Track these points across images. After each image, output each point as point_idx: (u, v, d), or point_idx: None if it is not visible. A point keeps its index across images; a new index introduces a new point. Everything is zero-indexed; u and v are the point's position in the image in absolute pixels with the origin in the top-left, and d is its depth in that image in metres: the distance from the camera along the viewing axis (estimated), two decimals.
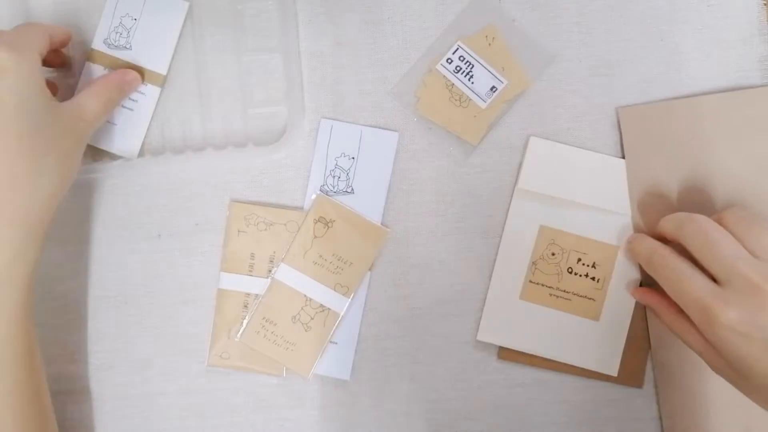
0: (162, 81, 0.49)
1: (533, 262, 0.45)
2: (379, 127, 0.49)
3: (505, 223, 0.46)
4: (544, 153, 0.44)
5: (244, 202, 0.49)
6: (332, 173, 0.48)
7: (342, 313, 0.48)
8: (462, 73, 0.48)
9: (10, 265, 0.40)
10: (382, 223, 0.48)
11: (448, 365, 0.48)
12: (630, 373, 0.47)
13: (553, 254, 0.44)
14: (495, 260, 0.47)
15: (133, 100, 0.49)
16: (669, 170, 0.46)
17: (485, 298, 0.47)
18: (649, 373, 0.47)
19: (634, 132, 0.47)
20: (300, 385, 0.48)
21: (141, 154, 0.49)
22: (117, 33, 0.49)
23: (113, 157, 0.49)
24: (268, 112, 0.49)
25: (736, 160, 0.46)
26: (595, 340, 0.46)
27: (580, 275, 0.45)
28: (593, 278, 0.45)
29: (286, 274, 0.48)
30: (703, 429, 0.45)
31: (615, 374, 0.46)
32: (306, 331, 0.48)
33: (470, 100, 0.48)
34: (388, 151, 0.48)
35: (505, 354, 0.48)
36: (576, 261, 0.45)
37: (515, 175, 0.48)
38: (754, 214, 0.39)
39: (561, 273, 0.45)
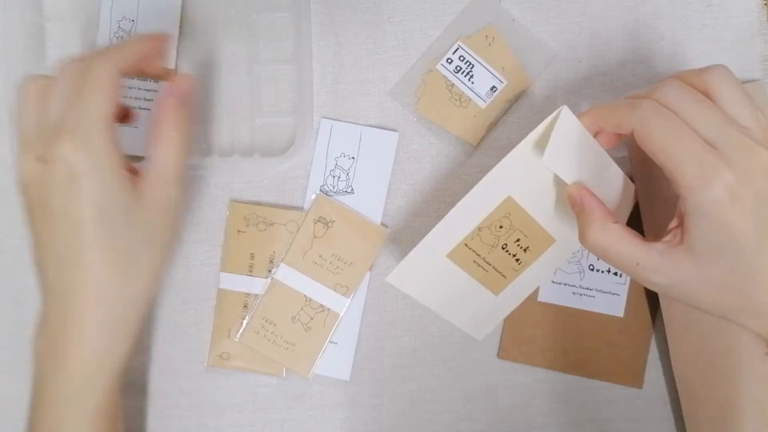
0: (173, 76, 0.49)
1: (479, 228, 0.42)
2: (379, 127, 0.48)
3: (480, 180, 0.41)
4: (569, 130, 0.38)
5: (244, 202, 0.49)
6: (332, 173, 0.48)
7: (342, 313, 0.48)
8: (462, 73, 0.48)
9: (92, 371, 0.37)
10: (382, 223, 0.48)
11: (448, 365, 0.48)
12: (630, 374, 0.47)
13: (500, 227, 0.42)
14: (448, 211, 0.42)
15: (149, 100, 0.49)
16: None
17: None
18: (649, 374, 0.47)
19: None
20: (300, 385, 0.48)
21: None
22: (118, 37, 0.49)
23: (138, 158, 0.49)
24: (276, 123, 0.49)
25: None
26: (485, 311, 0.46)
27: (509, 253, 0.44)
28: (517, 260, 0.44)
29: (285, 274, 0.48)
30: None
31: (479, 339, 0.47)
32: (306, 331, 0.48)
33: (470, 100, 0.48)
34: (388, 151, 0.48)
35: (505, 354, 0.48)
36: (515, 240, 0.43)
37: None
38: (738, 81, 0.35)
39: (496, 246, 0.43)
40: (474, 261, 0.43)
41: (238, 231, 0.48)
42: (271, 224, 0.48)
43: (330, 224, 0.48)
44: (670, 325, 0.46)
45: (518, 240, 0.43)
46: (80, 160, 0.34)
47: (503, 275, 0.45)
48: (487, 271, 0.44)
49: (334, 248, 0.48)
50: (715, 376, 0.43)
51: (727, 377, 0.42)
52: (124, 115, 0.44)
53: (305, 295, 0.48)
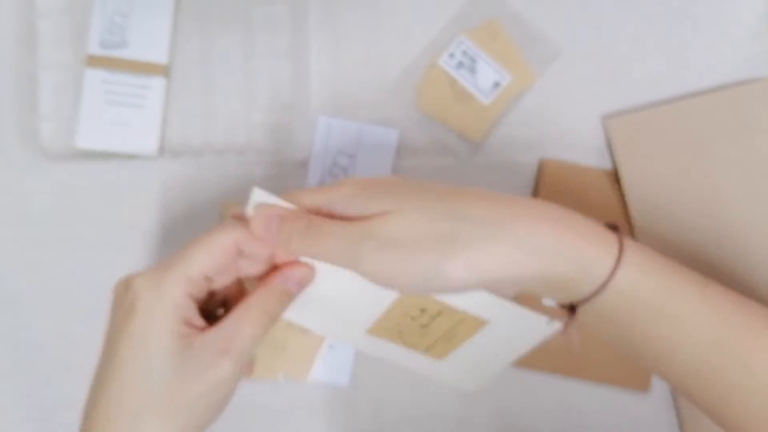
0: (165, 71, 0.49)
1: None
2: (379, 125, 0.48)
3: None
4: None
5: (238, 203, 0.48)
6: (330, 172, 0.48)
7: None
8: (465, 68, 0.47)
9: None
10: None
11: None
12: (637, 378, 0.47)
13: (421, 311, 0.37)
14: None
15: (141, 96, 0.48)
16: (665, 176, 0.46)
17: None
18: (655, 378, 0.47)
19: (624, 142, 0.47)
20: (297, 390, 0.48)
21: (161, 150, 0.49)
22: (111, 33, 0.49)
23: (132, 157, 0.49)
24: (272, 120, 0.49)
25: (732, 159, 0.46)
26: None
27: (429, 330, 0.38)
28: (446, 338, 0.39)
29: None
30: None
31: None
32: (303, 335, 0.47)
33: (473, 96, 0.47)
34: (387, 150, 0.48)
35: None
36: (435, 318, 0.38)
37: (520, 174, 0.48)
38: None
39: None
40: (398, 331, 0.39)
41: None
42: None
43: None
44: None
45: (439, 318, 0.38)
46: (142, 291, 0.34)
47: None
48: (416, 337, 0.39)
49: None
50: None
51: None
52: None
53: None
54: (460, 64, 0.47)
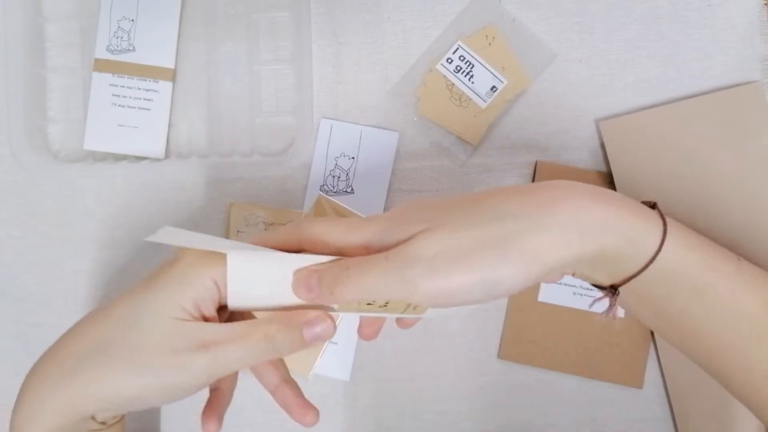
0: (172, 75, 0.49)
1: None
2: (379, 127, 0.48)
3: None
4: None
5: (244, 203, 0.49)
6: (332, 173, 0.48)
7: (342, 313, 0.47)
8: (462, 73, 0.48)
9: None
10: None
11: (448, 365, 0.48)
12: (630, 374, 0.47)
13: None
14: None
15: (148, 99, 0.49)
16: (657, 177, 0.46)
17: None
18: (648, 374, 0.47)
19: (617, 144, 0.47)
20: (300, 385, 0.48)
21: (168, 153, 0.49)
22: (118, 37, 0.49)
23: (139, 159, 0.49)
24: (275, 123, 0.49)
25: (723, 162, 0.46)
26: None
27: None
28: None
29: None
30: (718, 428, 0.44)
31: None
32: None
33: (470, 99, 0.48)
34: (388, 151, 0.48)
35: (506, 354, 0.48)
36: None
37: (517, 175, 0.48)
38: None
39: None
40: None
41: (238, 231, 0.48)
42: (270, 224, 0.48)
43: None
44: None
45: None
46: (188, 255, 0.33)
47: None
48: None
49: None
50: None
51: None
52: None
53: None
54: (458, 69, 0.48)
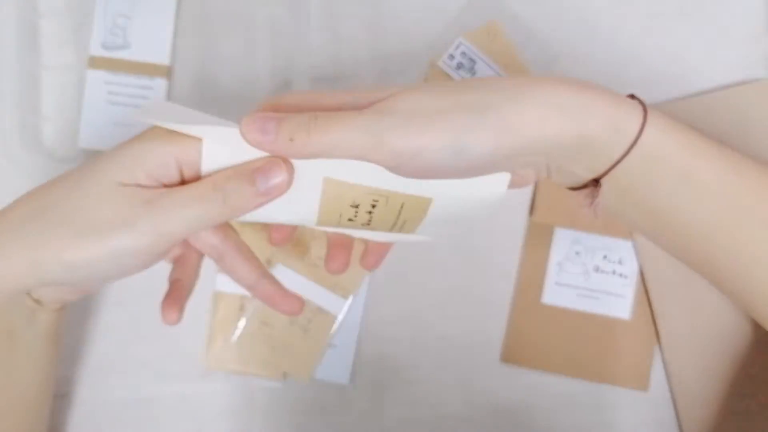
0: (167, 72, 0.49)
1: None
2: None
3: None
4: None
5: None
6: None
7: (341, 316, 0.47)
8: (464, 70, 0.47)
9: None
10: None
11: (449, 368, 0.48)
12: (636, 377, 0.47)
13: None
14: None
15: (143, 98, 0.49)
16: None
17: (485, 300, 0.47)
18: (654, 376, 0.47)
19: None
20: (298, 389, 0.48)
21: None
22: (113, 34, 0.49)
23: None
24: None
25: None
26: None
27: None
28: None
29: (283, 275, 0.47)
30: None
31: None
32: (304, 333, 0.47)
33: None
34: None
35: (509, 357, 0.47)
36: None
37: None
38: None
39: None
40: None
41: None
42: (267, 225, 0.48)
43: None
44: (662, 325, 0.46)
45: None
46: (141, 144, 0.32)
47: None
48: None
49: None
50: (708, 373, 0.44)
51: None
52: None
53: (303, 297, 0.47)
54: (460, 66, 0.47)
